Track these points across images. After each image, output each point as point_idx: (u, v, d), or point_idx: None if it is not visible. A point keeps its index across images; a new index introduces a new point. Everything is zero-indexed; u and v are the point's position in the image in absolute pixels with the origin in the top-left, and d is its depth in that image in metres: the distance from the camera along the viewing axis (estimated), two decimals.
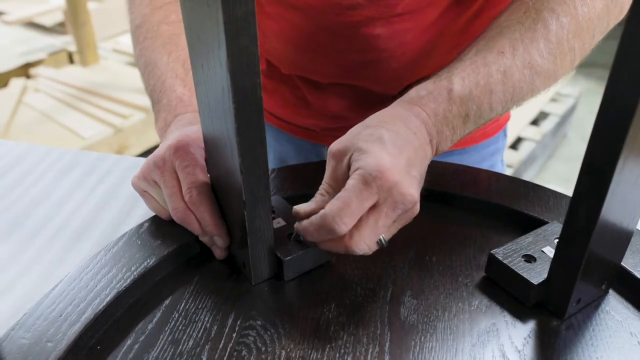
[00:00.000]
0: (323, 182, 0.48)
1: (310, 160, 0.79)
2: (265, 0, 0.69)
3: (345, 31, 0.65)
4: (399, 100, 0.52)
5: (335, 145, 0.47)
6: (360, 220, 0.44)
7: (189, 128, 0.53)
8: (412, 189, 0.44)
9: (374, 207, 0.44)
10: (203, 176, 0.50)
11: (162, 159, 0.50)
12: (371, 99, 0.72)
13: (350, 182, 0.43)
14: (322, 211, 0.44)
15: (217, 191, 0.50)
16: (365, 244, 0.44)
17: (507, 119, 0.83)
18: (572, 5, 0.53)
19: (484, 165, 0.80)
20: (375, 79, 0.70)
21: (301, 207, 0.47)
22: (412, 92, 0.51)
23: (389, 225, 0.45)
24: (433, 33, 0.66)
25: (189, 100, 0.58)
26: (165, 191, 0.50)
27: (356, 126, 0.49)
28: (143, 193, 0.54)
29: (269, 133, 0.82)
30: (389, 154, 0.44)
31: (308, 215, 0.46)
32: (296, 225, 0.47)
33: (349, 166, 0.46)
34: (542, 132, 2.45)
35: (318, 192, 0.48)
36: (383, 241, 0.45)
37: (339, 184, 0.46)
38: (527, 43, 0.52)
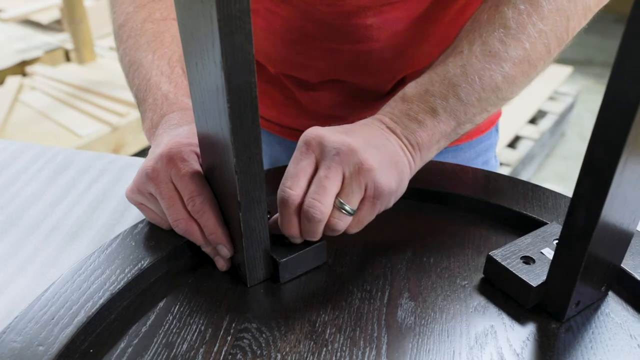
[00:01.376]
0: None
1: None
2: None
3: (336, 22, 0.64)
4: None
5: (305, 134, 0.49)
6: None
7: (177, 131, 0.51)
8: (345, 138, 0.46)
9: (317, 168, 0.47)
10: (203, 183, 0.48)
11: (154, 169, 0.48)
12: (363, 96, 0.72)
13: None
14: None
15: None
16: (318, 202, 0.45)
17: (499, 115, 0.83)
18: None
19: (479, 161, 0.80)
20: (367, 73, 0.69)
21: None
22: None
23: (336, 182, 0.45)
24: (424, 23, 0.66)
25: (174, 97, 0.56)
26: (163, 203, 0.48)
27: None
28: (139, 205, 0.52)
29: None
30: (345, 135, 0.48)
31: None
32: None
33: None
34: (540, 130, 2.45)
35: None
36: (347, 207, 0.46)
37: None
38: (484, 35, 0.52)
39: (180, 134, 0.50)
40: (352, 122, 0.78)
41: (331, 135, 0.47)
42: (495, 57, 0.51)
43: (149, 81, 0.57)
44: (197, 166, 0.48)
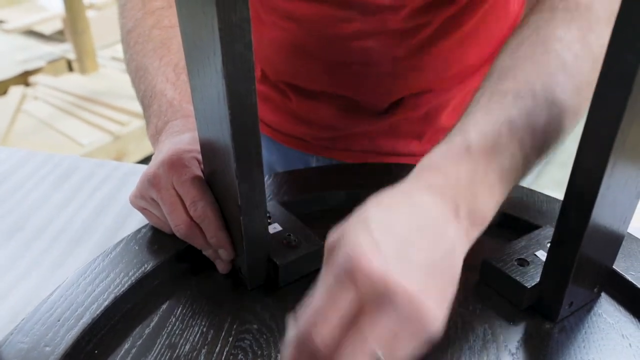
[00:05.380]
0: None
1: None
2: (262, 9, 0.69)
3: (337, 42, 0.66)
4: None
5: (329, 237, 0.36)
6: (346, 330, 0.33)
7: (179, 138, 0.52)
8: (402, 278, 0.32)
9: (360, 311, 0.33)
10: (204, 188, 0.49)
11: (156, 176, 0.49)
12: (361, 110, 0.73)
13: (321, 280, 0.34)
14: (296, 327, 0.34)
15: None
16: None
17: None
18: (579, 34, 0.45)
19: None
20: (365, 90, 0.71)
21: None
22: (425, 159, 0.41)
23: (383, 335, 0.32)
24: (423, 52, 0.67)
25: (179, 104, 0.57)
26: (165, 209, 0.49)
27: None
28: (142, 210, 0.53)
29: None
30: (371, 236, 0.34)
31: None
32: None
33: None
34: None
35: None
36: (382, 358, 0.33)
37: None
38: (545, 80, 0.44)
39: (182, 140, 0.52)
40: (349, 134, 0.78)
41: (379, 267, 0.32)
42: (558, 107, 0.44)
43: (154, 87, 0.58)
44: (198, 172, 0.49)
